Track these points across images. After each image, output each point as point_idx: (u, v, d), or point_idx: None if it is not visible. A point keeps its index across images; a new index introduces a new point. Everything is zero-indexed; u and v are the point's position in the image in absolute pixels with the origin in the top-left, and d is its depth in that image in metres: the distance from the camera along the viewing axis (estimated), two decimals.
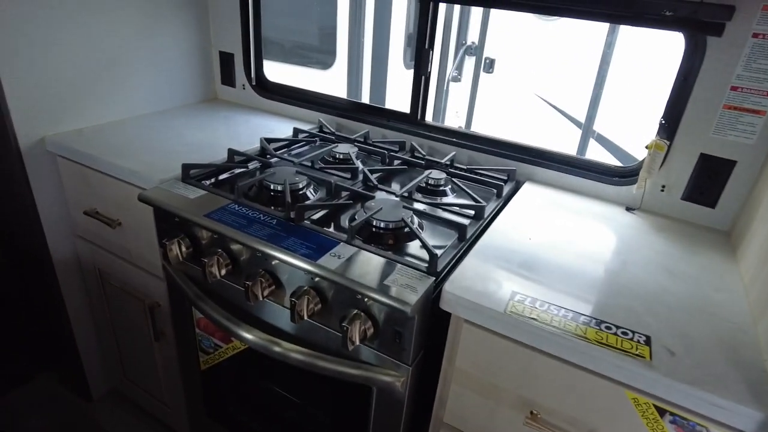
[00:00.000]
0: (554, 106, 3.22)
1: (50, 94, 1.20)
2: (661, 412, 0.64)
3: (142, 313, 1.26)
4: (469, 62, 3.21)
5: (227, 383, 1.13)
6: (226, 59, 1.58)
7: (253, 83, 1.57)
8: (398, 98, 2.85)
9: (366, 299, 0.77)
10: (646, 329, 0.69)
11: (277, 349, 0.87)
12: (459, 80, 3.21)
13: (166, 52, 1.46)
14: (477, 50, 3.19)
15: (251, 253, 0.88)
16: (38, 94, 1.18)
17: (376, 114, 1.40)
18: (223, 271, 0.90)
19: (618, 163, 1.17)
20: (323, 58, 2.76)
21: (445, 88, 3.15)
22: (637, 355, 0.64)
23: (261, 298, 0.86)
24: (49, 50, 1.18)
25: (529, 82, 3.25)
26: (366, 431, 0.92)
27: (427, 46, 1.28)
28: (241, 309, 0.96)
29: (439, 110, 3.16)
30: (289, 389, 1.01)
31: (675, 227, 1.02)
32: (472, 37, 3.20)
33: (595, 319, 0.70)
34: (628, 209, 1.09)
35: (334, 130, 1.38)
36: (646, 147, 1.02)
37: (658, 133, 1.02)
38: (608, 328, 0.69)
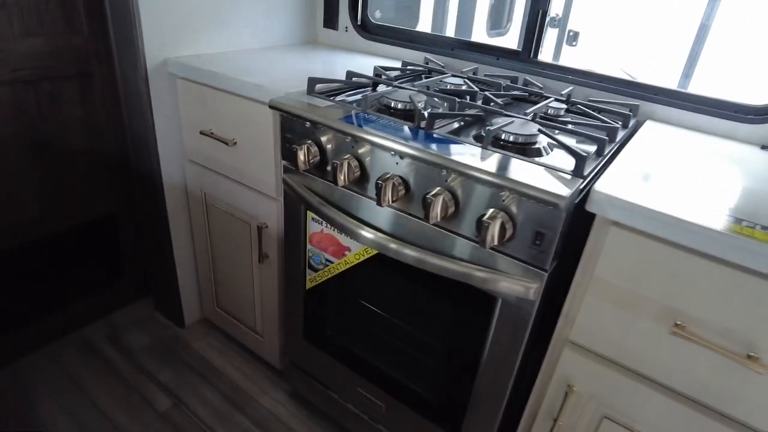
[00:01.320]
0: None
1: (174, 19, 1.26)
2: None
3: (246, 237, 1.30)
4: (552, 35, 3.13)
5: (332, 303, 1.15)
6: (331, 0, 1.60)
7: (358, 23, 1.58)
8: None
9: (509, 195, 0.76)
10: None
11: (405, 251, 0.88)
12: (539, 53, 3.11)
13: None
14: (561, 22, 3.09)
15: (382, 156, 0.89)
16: (165, 19, 1.23)
17: (485, 51, 1.38)
18: (353, 175, 0.92)
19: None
20: (407, 22, 2.75)
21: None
22: None
23: (391, 201, 0.86)
24: None
25: (615, 56, 3.12)
26: (480, 354, 0.91)
27: None
28: (364, 220, 0.97)
29: None
30: (400, 307, 1.02)
31: None
32: (557, 8, 3.10)
33: (759, 224, 0.67)
34: (764, 147, 1.03)
35: (442, 66, 1.37)
36: None
37: None
38: None
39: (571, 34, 3.09)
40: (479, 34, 2.86)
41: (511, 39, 3.06)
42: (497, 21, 3.04)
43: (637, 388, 0.79)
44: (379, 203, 0.86)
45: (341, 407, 1.26)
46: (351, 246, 1.03)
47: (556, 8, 3.11)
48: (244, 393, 1.42)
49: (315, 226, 1.08)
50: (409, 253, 0.87)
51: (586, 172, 0.77)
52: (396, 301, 1.02)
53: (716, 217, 0.67)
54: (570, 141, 0.87)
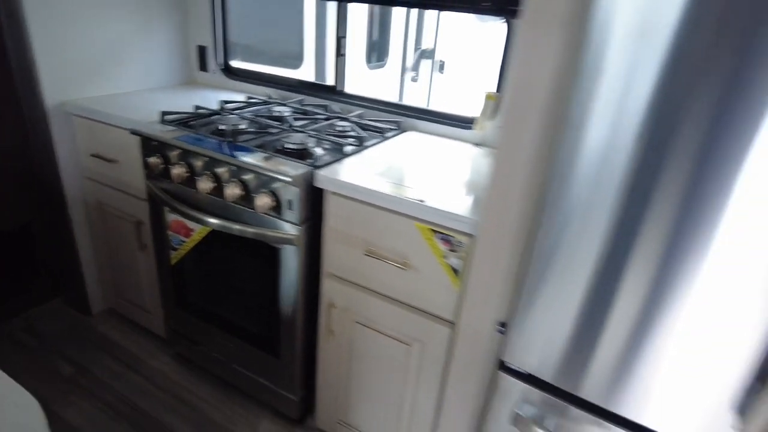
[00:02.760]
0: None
1: (70, 69, 1.67)
2: (434, 232, 1.08)
3: (132, 232, 1.70)
4: (427, 65, 3.70)
5: (189, 273, 1.56)
6: (202, 51, 2.05)
7: (222, 68, 2.03)
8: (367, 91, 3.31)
9: (267, 178, 1.21)
10: (427, 195, 1.14)
11: (219, 222, 1.31)
12: (416, 80, 3.69)
13: (157, 45, 1.92)
14: (431, 54, 3.68)
15: (201, 161, 1.33)
16: (61, 69, 1.64)
17: (312, 87, 1.86)
18: (184, 176, 1.35)
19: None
20: (292, 62, 3.24)
21: (404, 88, 3.64)
22: (420, 200, 1.08)
23: (206, 192, 1.30)
24: (69, 39, 1.64)
25: (473, 79, 3.72)
26: (278, 291, 1.35)
27: (341, 36, 1.74)
28: (198, 207, 1.40)
29: None
30: (229, 267, 1.45)
31: None
32: (429, 42, 3.69)
33: (409, 186, 1.15)
34: (476, 145, 1.54)
35: (277, 99, 1.84)
36: (486, 97, 1.47)
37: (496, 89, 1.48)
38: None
39: (439, 63, 3.68)
40: (360, 69, 3.37)
41: (389, 70, 3.61)
42: (379, 56, 3.58)
43: (366, 297, 1.25)
44: (197, 190, 1.30)
45: (208, 356, 1.67)
46: (194, 227, 1.45)
47: (428, 42, 3.70)
48: (137, 358, 1.80)
49: (170, 216, 1.50)
50: (223, 224, 1.31)
51: (319, 164, 1.24)
52: (226, 263, 1.45)
53: (386, 185, 1.15)
54: (329, 146, 1.34)
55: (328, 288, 1.30)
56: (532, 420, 0.92)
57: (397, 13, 3.54)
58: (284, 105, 1.72)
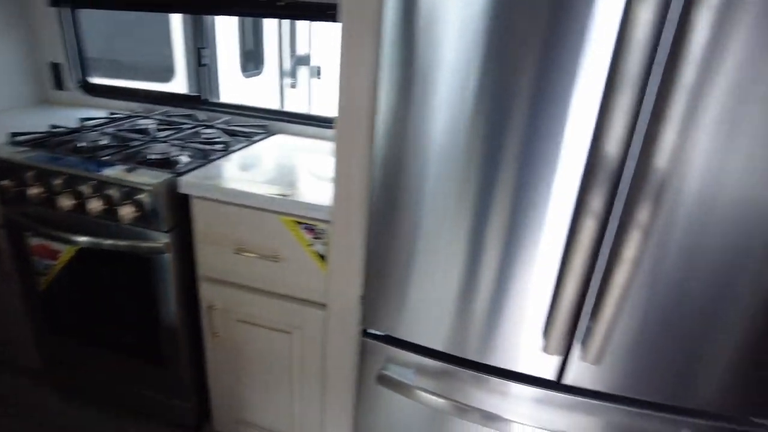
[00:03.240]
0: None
1: None
2: (298, 223, 1.17)
3: None
4: (304, 71, 3.79)
5: (62, 296, 1.51)
6: (56, 68, 1.96)
7: (81, 86, 1.96)
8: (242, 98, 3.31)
9: (127, 190, 1.23)
10: (290, 190, 1.22)
11: (92, 240, 1.29)
12: (295, 86, 3.76)
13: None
14: (307, 60, 3.77)
15: (61, 178, 1.30)
16: None
17: (178, 99, 1.87)
18: (43, 195, 1.31)
19: None
20: (163, 75, 3.16)
21: (284, 94, 3.69)
22: (283, 195, 1.16)
23: (68, 211, 1.28)
24: None
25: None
26: (155, 298, 1.36)
27: (200, 46, 1.77)
28: (62, 227, 1.37)
29: None
30: (103, 284, 1.43)
31: None
32: (304, 49, 3.78)
33: (272, 184, 1.22)
34: None
35: (141, 112, 1.82)
36: None
37: None
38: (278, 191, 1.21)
39: (315, 69, 3.79)
40: (236, 78, 3.37)
41: (267, 78, 3.64)
42: (255, 64, 3.59)
43: (243, 294, 1.30)
44: (59, 209, 1.27)
45: (92, 379, 1.61)
46: (60, 248, 1.41)
47: (303, 48, 3.79)
48: (9, 399, 1.69)
49: (33, 240, 1.44)
50: (90, 240, 1.30)
51: (182, 170, 1.28)
52: (100, 280, 1.43)
53: (249, 184, 1.21)
54: (194, 153, 1.37)
55: (206, 291, 1.34)
56: (397, 379, 1.04)
57: (269, 21, 3.59)
58: (148, 118, 1.72)
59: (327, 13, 1.42)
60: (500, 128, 0.81)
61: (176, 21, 3.05)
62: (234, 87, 3.34)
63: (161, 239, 1.27)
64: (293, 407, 1.40)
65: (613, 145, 0.73)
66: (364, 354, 1.10)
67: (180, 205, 1.27)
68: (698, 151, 0.74)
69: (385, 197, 0.94)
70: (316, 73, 3.77)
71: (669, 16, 0.68)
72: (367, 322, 1.06)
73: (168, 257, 1.29)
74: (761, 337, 0.84)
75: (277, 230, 1.19)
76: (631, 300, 0.85)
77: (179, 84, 3.16)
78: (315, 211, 1.14)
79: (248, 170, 1.32)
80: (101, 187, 1.26)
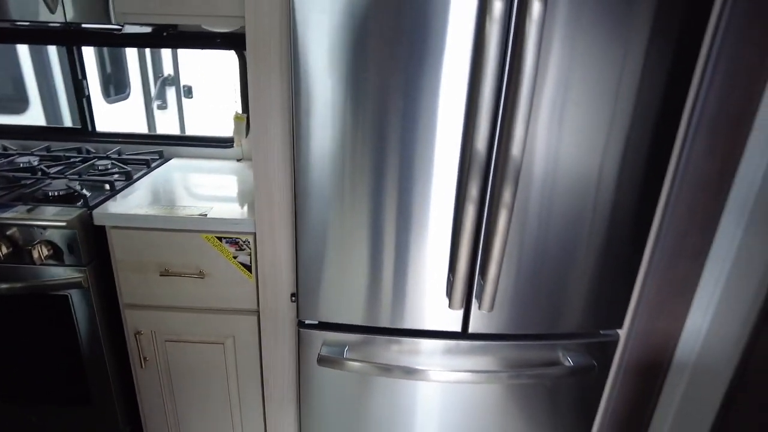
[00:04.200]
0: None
1: None
2: (220, 239, 1.27)
3: None
4: (172, 91, 3.70)
5: None
6: None
7: None
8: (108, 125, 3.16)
9: (34, 229, 1.22)
10: (206, 209, 1.32)
11: (6, 285, 1.25)
12: (165, 108, 3.67)
13: None
14: (175, 80, 3.70)
15: None
16: None
17: (58, 132, 1.81)
18: None
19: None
20: (16, 106, 2.91)
21: (152, 116, 3.58)
22: (202, 214, 1.25)
23: None
24: None
25: (223, 99, 3.89)
26: (75, 331, 1.36)
27: (80, 77, 1.75)
28: None
29: None
30: (16, 327, 1.38)
31: None
32: (169, 69, 3.70)
33: (193, 205, 1.30)
34: (239, 160, 1.76)
35: (17, 149, 1.74)
36: (234, 118, 1.69)
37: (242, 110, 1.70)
38: (192, 209, 1.29)
39: (186, 88, 3.73)
40: (98, 104, 3.19)
41: (133, 102, 3.51)
42: (118, 89, 3.44)
43: (171, 314, 1.36)
44: None
45: None
46: None
47: (167, 69, 3.71)
48: None
49: None
50: (4, 286, 1.26)
51: (92, 203, 1.30)
52: (13, 326, 1.37)
53: (165, 209, 1.27)
54: (97, 184, 1.38)
55: (131, 318, 1.37)
56: (334, 357, 1.20)
57: None
58: (29, 155, 1.65)
59: (216, 42, 1.52)
60: (384, 137, 1.02)
61: (23, 50, 2.83)
62: (99, 114, 3.15)
63: (77, 274, 1.28)
64: (234, 415, 1.48)
65: (480, 142, 0.97)
66: (301, 343, 1.24)
67: (95, 238, 1.29)
68: (539, 142, 1.02)
69: (304, 203, 1.10)
70: (187, 92, 3.70)
71: (509, 39, 0.94)
72: (302, 314, 1.21)
73: (85, 292, 1.30)
74: (600, 271, 1.15)
75: (201, 248, 1.28)
76: (507, 260, 1.12)
77: (35, 115, 2.94)
78: (236, 225, 1.25)
79: (159, 195, 1.38)
80: (4, 229, 1.23)
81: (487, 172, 1.04)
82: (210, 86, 3.83)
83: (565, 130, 1.01)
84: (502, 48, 0.92)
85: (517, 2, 0.91)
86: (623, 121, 1.02)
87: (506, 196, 1.01)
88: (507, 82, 0.97)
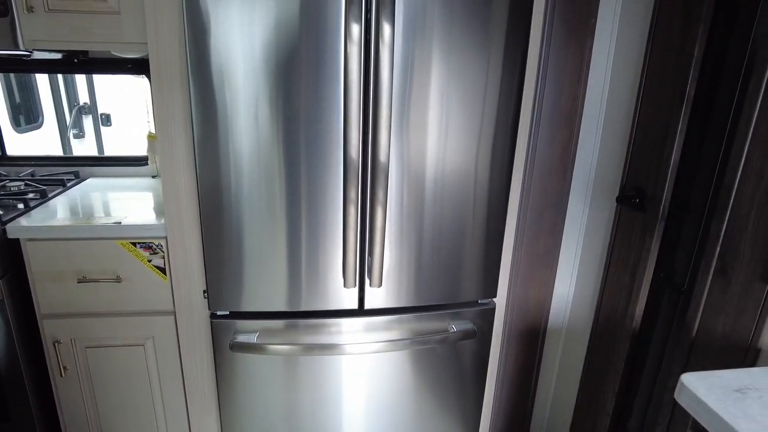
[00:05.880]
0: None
1: None
2: (134, 244, 1.37)
3: None
4: (89, 120, 3.68)
5: None
6: None
7: None
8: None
9: None
10: (120, 217, 1.42)
11: None
12: (82, 137, 3.65)
13: None
14: (91, 109, 3.69)
15: None
16: None
17: None
18: None
19: None
20: None
21: (68, 145, 3.54)
22: (116, 222, 1.35)
23: None
24: None
25: (141, 121, 3.90)
26: None
27: None
28: None
29: None
30: None
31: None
32: (85, 98, 3.68)
33: (108, 216, 1.39)
34: (153, 177, 1.85)
35: None
36: (147, 137, 1.79)
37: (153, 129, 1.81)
38: (113, 219, 1.39)
39: (103, 116, 3.73)
40: (9, 134, 3.13)
41: (48, 131, 3.46)
42: (29, 118, 3.38)
43: (90, 321, 1.43)
44: None
45: None
46: None
47: (83, 98, 3.69)
48: None
49: None
50: None
51: (5, 218, 1.36)
52: None
53: (79, 220, 1.36)
54: (10, 203, 1.45)
55: (49, 327, 1.43)
56: (246, 342, 1.32)
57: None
58: None
59: (127, 67, 1.63)
60: (276, 143, 1.18)
61: None
62: (11, 144, 3.09)
63: None
64: (158, 413, 1.56)
65: (353, 150, 1.16)
66: (215, 333, 1.36)
67: (9, 252, 1.36)
68: (411, 148, 1.22)
69: (210, 206, 1.23)
70: (105, 120, 3.69)
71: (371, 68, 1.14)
72: (213, 306, 1.33)
73: (3, 304, 1.35)
74: (475, 249, 1.36)
75: (117, 254, 1.38)
76: (396, 244, 1.30)
77: None
78: (149, 231, 1.36)
79: (76, 209, 1.46)
80: None
81: (367, 176, 1.23)
82: (128, 113, 3.84)
83: (450, 134, 1.23)
84: (364, 67, 1.12)
85: (374, 27, 1.11)
86: (490, 122, 1.25)
87: (380, 194, 1.20)
88: (373, 96, 1.16)
